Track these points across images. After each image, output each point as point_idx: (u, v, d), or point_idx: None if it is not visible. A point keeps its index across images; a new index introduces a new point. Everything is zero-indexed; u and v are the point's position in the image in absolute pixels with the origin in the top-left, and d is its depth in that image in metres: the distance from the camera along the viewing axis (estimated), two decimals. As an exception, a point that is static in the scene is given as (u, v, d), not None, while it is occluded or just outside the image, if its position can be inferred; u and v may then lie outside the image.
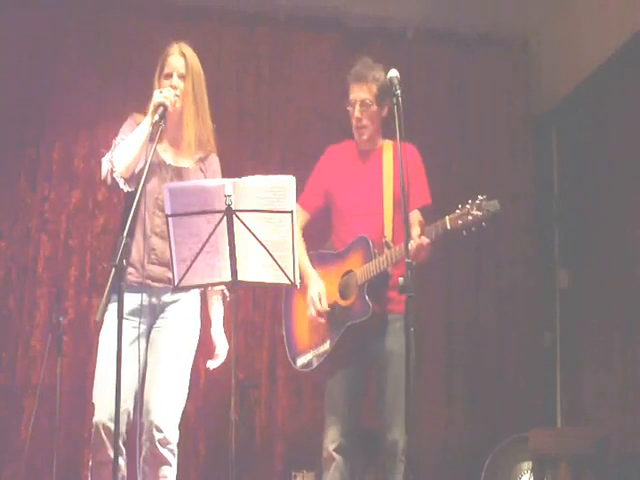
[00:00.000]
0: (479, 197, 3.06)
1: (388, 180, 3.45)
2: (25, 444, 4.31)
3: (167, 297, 3.16)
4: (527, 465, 4.46)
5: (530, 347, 5.22)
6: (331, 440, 3.35)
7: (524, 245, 5.36)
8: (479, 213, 3.03)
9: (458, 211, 3.08)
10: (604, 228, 4.83)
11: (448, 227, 3.09)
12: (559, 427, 5.14)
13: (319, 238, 3.68)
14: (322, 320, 3.39)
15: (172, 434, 3.06)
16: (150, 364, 3.12)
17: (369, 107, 3.45)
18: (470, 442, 5.00)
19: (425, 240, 3.11)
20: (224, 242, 2.72)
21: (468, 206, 3.06)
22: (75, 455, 4.56)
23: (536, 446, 4.24)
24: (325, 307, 3.39)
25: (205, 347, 3.31)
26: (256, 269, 2.76)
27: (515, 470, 4.52)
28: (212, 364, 3.28)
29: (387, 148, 3.53)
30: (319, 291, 3.41)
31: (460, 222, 3.06)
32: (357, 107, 3.45)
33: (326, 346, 3.40)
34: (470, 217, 3.04)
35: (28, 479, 4.51)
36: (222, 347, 3.27)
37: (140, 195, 2.82)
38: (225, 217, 2.68)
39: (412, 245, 3.07)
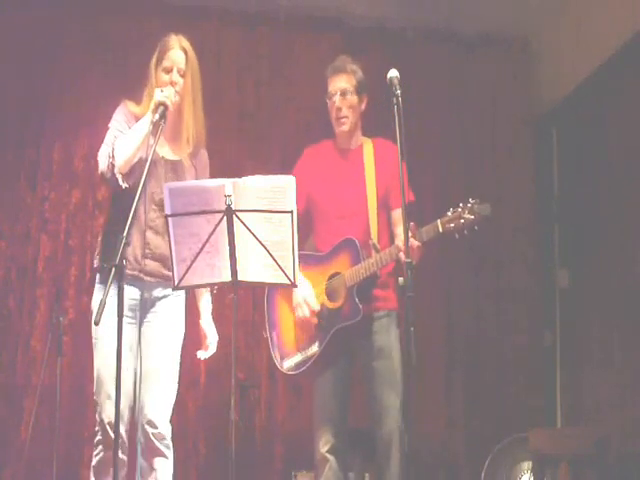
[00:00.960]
0: (471, 200, 3.06)
1: (370, 180, 3.42)
2: (25, 444, 4.31)
3: (158, 292, 3.18)
4: (527, 465, 4.46)
5: (530, 347, 5.22)
6: (324, 442, 3.33)
7: (524, 245, 5.36)
8: (471, 217, 3.03)
9: (450, 214, 3.08)
10: (604, 228, 4.83)
11: (440, 230, 3.08)
12: (559, 427, 5.14)
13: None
14: (314, 320, 3.36)
15: (165, 428, 3.09)
16: (141, 359, 3.13)
17: (349, 97, 3.42)
18: (470, 442, 5.01)
19: (415, 243, 3.09)
20: (224, 242, 2.72)
21: (460, 209, 3.06)
22: (75, 455, 4.56)
23: (536, 446, 4.24)
24: (316, 307, 3.36)
25: (200, 341, 3.32)
26: (256, 269, 2.76)
27: (515, 470, 4.52)
28: (203, 355, 3.30)
29: (367, 146, 3.50)
30: (307, 293, 3.37)
31: (452, 225, 3.06)
32: (337, 97, 3.42)
33: (314, 348, 3.37)
34: (462, 220, 3.04)
35: (28, 479, 4.51)
36: (212, 338, 3.29)
37: (137, 191, 2.80)
38: (225, 217, 2.69)
39: (401, 247, 3.07)
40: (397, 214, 3.36)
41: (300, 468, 4.50)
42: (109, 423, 2.99)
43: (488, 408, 5.06)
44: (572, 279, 5.25)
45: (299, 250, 3.39)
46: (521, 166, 5.46)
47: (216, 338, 3.29)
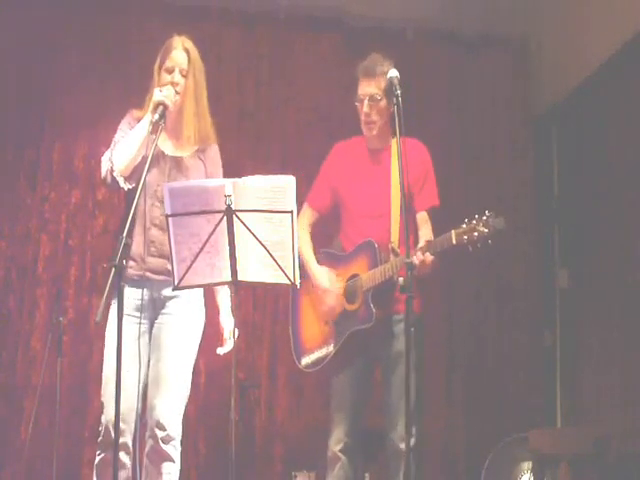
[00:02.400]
0: (486, 213, 3.01)
1: (396, 180, 3.39)
2: (25, 444, 4.30)
3: (167, 291, 3.14)
4: (527, 465, 4.45)
5: (530, 347, 5.22)
6: (336, 440, 3.34)
7: (524, 245, 5.36)
8: (485, 230, 2.99)
9: (464, 226, 3.03)
10: (604, 228, 4.83)
11: (453, 242, 3.05)
12: (559, 427, 5.14)
13: (325, 236, 3.66)
14: (334, 304, 3.38)
15: (175, 431, 3.08)
16: (152, 361, 3.13)
17: (378, 102, 3.39)
18: (470, 442, 5.01)
19: (429, 257, 3.09)
20: (224, 242, 2.72)
21: (475, 221, 3.01)
22: (75, 455, 4.56)
23: (536, 446, 4.23)
24: (340, 285, 3.38)
25: (207, 342, 3.30)
26: (256, 269, 2.76)
27: (515, 470, 4.51)
28: (222, 350, 3.24)
29: (396, 147, 3.49)
30: (330, 278, 3.40)
31: (465, 237, 3.02)
32: (366, 102, 3.39)
33: (330, 348, 3.39)
34: (476, 233, 2.99)
35: (28, 479, 4.51)
36: (229, 332, 3.24)
37: (140, 189, 2.81)
38: (225, 217, 2.69)
39: (415, 260, 3.03)
40: (421, 217, 3.35)
41: (300, 468, 4.50)
42: (112, 424, 2.98)
43: (488, 408, 5.06)
44: (572, 279, 5.25)
45: (325, 248, 3.52)
46: (521, 166, 5.45)
47: (236, 332, 3.22)
